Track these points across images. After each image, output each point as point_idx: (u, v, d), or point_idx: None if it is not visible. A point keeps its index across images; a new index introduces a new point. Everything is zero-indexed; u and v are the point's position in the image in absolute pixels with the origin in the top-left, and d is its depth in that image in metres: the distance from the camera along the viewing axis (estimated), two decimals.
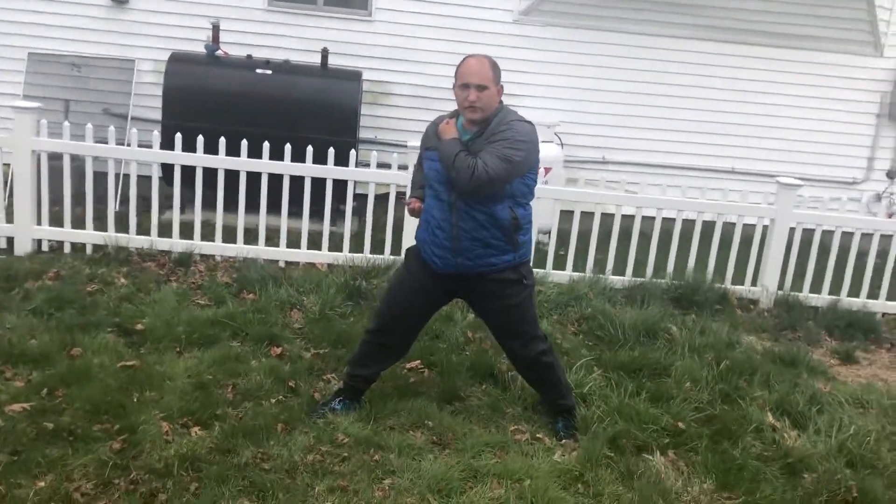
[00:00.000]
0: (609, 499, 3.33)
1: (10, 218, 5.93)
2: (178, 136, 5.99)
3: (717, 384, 4.46)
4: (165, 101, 7.30)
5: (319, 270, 5.95)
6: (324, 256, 6.12)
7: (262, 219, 6.08)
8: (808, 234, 6.33)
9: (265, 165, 5.96)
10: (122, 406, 3.65)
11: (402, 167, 6.10)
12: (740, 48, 8.38)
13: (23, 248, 5.89)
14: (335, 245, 6.21)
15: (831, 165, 8.79)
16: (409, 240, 6.09)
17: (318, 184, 6.08)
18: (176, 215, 6.01)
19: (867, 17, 8.30)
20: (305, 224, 6.10)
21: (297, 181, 6.02)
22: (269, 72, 7.42)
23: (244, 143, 5.95)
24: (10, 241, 5.91)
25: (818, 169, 8.71)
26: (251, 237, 6.16)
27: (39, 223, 5.96)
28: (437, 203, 3.62)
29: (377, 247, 6.17)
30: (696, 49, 8.30)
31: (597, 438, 3.72)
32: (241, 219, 6.06)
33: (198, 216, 6.01)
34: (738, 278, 6.37)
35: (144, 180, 6.07)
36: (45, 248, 5.97)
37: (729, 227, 6.33)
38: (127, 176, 6.24)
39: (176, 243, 6.00)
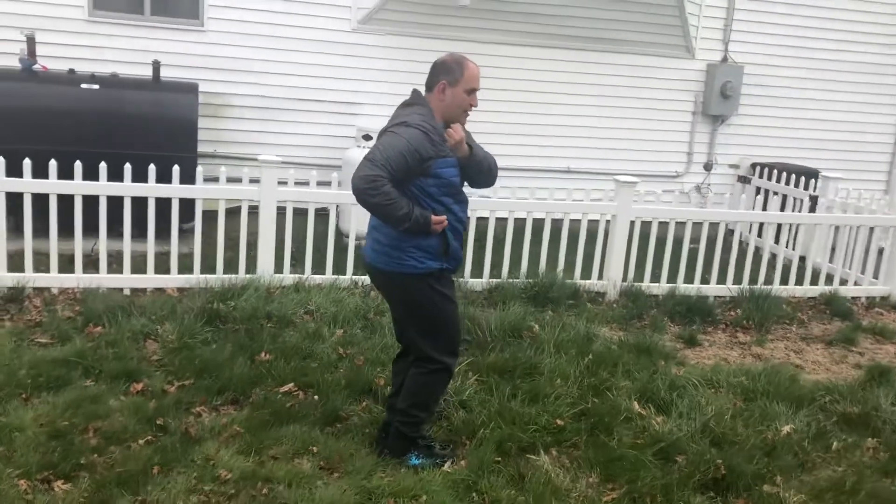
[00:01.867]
0: None
1: None
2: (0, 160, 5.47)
3: (585, 378, 4.65)
4: None
5: (170, 295, 5.63)
6: (174, 280, 5.80)
7: (103, 244, 5.67)
8: (645, 227, 6.74)
9: (104, 188, 5.57)
10: None
11: (254, 181, 5.91)
12: (569, 53, 8.79)
13: None
14: (185, 267, 5.91)
15: (656, 161, 9.40)
16: (265, 256, 5.93)
17: (162, 204, 5.75)
18: (1, 245, 5.48)
19: (679, 22, 8.95)
20: (151, 247, 5.76)
21: (138, 202, 5.67)
22: (97, 86, 6.95)
23: (77, 164, 5.54)
24: None
25: (646, 165, 9.28)
26: (90, 265, 5.72)
27: None
28: (461, 206, 3.65)
29: (231, 266, 5.92)
30: (529, 55, 8.61)
31: (485, 445, 3.77)
32: (79, 245, 5.63)
33: (28, 245, 5.52)
34: (587, 273, 6.68)
35: None
36: None
37: (575, 225, 6.62)
38: None
39: (4, 277, 5.48)
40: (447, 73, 3.57)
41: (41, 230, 5.57)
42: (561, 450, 3.90)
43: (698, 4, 9.07)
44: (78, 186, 5.56)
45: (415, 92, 3.65)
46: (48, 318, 5.05)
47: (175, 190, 5.74)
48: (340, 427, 3.98)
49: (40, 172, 5.47)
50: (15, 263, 5.58)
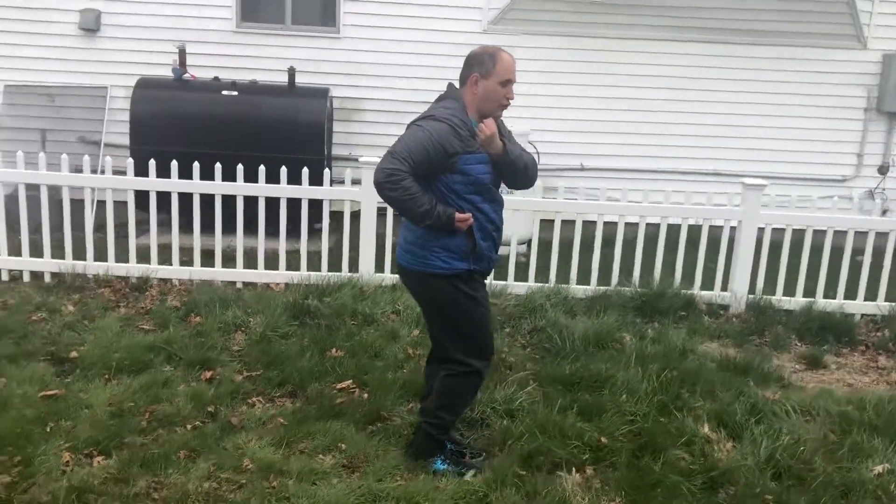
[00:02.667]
0: None
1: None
2: (130, 161, 6.03)
3: (657, 395, 4.30)
4: (133, 127, 7.37)
5: (274, 291, 5.90)
6: (280, 276, 6.07)
7: (218, 240, 6.05)
8: (780, 234, 6.14)
9: (219, 187, 5.94)
10: (29, 437, 3.62)
11: (356, 182, 6.05)
12: (719, 48, 8.21)
13: None
14: (295, 264, 6.17)
15: (820, 164, 8.56)
16: (366, 256, 6.06)
17: (292, 203, 6.03)
18: (132, 239, 6.01)
19: (848, 9, 8.08)
20: (261, 244, 6.07)
21: (270, 202, 5.99)
22: (236, 93, 7.45)
23: (217, 166, 5.91)
24: None
25: (808, 168, 8.49)
26: (225, 259, 6.10)
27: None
28: (494, 206, 3.49)
29: (335, 265, 6.11)
30: (672, 51, 8.15)
31: (509, 456, 3.60)
32: (197, 240, 6.03)
33: (153, 240, 6.01)
34: (708, 284, 6.20)
35: (121, 205, 6.06)
36: (4, 277, 6.00)
37: (695, 231, 6.17)
38: (102, 202, 6.22)
39: (132, 268, 6.00)
40: (479, 65, 3.40)
41: (186, 226, 6.05)
42: (598, 469, 3.62)
43: None
44: (217, 187, 5.95)
45: (450, 86, 3.51)
46: (158, 306, 5.47)
47: (284, 190, 6.00)
48: (379, 427, 3.96)
49: (186, 173, 5.93)
50: (163, 257, 6.05)
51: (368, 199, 5.97)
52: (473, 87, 3.41)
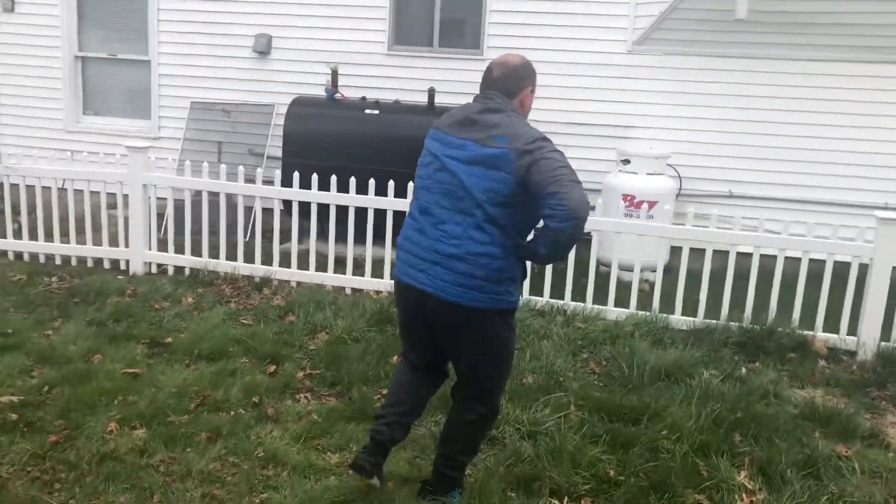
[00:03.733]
0: None
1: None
2: (278, 173, 6.60)
3: (702, 436, 3.99)
4: (285, 141, 8.01)
5: (373, 297, 6.16)
6: (383, 284, 6.33)
7: (350, 248, 6.39)
8: None
9: (352, 199, 6.31)
10: (93, 406, 4.11)
11: None
12: (885, 68, 7.38)
13: (135, 268, 6.76)
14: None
15: None
16: None
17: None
18: (258, 244, 6.56)
19: None
20: (369, 251, 6.37)
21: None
22: (377, 112, 7.86)
23: (352, 180, 6.32)
24: (128, 263, 6.81)
25: None
26: (356, 267, 6.49)
27: (150, 248, 6.81)
28: None
29: None
30: (832, 72, 7.45)
31: (504, 478, 3.53)
32: (331, 248, 6.49)
33: (294, 246, 6.52)
34: (832, 326, 5.61)
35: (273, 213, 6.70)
36: (154, 270, 6.79)
37: (818, 267, 5.62)
38: (267, 210, 6.87)
39: (256, 269, 6.55)
40: (531, 77, 3.26)
41: (322, 234, 6.53)
42: (595, 501, 3.45)
43: None
44: (350, 199, 6.35)
45: (495, 95, 3.19)
46: (263, 304, 5.92)
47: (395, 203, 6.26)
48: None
49: (328, 186, 6.37)
50: (302, 262, 6.55)
51: None
52: (528, 100, 3.29)
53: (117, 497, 3.34)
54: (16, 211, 7.13)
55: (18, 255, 6.93)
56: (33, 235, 6.91)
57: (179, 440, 3.81)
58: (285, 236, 6.89)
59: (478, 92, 3.28)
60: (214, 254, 6.65)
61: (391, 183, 6.26)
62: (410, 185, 6.12)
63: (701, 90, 7.79)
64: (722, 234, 5.78)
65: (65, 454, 3.67)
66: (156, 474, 3.52)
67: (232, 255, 6.60)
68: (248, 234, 7.69)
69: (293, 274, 6.51)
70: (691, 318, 5.78)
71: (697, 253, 5.96)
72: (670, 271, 6.64)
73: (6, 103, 9.55)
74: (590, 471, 3.62)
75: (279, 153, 8.49)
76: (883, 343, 5.48)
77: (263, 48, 8.74)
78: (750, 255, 5.80)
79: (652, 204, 7.19)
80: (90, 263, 6.86)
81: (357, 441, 3.89)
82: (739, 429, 4.11)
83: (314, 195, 6.39)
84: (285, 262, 6.55)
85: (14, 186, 6.92)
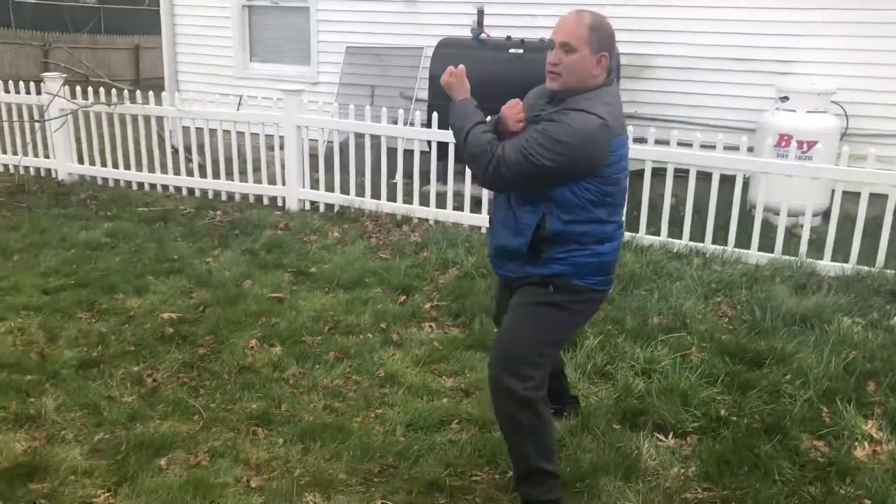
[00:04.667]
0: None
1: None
2: (419, 114, 6.77)
3: (829, 382, 3.82)
4: (431, 84, 8.16)
5: None
6: None
7: (468, 188, 6.55)
8: None
9: None
10: (239, 325, 4.52)
11: (662, 142, 6.08)
12: None
13: (290, 205, 7.23)
14: None
15: None
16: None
17: None
18: (399, 184, 6.82)
19: None
20: None
21: None
22: (521, 51, 7.83)
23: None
24: (284, 200, 7.29)
25: None
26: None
27: (304, 186, 7.24)
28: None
29: None
30: None
31: (611, 411, 3.57)
32: (468, 188, 6.62)
33: (432, 186, 6.73)
34: None
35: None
36: (307, 207, 7.23)
37: None
38: (409, 151, 7.14)
39: (398, 207, 6.81)
40: None
41: (459, 175, 6.70)
42: (701, 439, 3.41)
43: None
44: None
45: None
46: (401, 240, 6.18)
47: None
48: None
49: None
50: (440, 202, 6.75)
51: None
52: None
53: (250, 404, 3.69)
54: (188, 150, 7.80)
55: (190, 191, 7.59)
56: (202, 173, 7.53)
57: (310, 358, 4.13)
58: (428, 178, 7.07)
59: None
60: (361, 192, 6.97)
61: None
62: None
63: (868, 18, 7.14)
64: (880, 175, 5.37)
65: (210, 365, 4.08)
66: (286, 386, 3.85)
67: (377, 195, 6.89)
68: (394, 174, 7.93)
69: (430, 212, 6.72)
70: (841, 265, 5.45)
71: (852, 196, 5.58)
72: (827, 215, 6.24)
73: (184, 51, 10.33)
74: (701, 409, 3.58)
75: (427, 96, 8.68)
76: None
77: None
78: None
79: (812, 144, 6.74)
80: (251, 199, 7.40)
81: (473, 368, 4.05)
82: (875, 378, 3.89)
83: (449, 135, 6.52)
84: (425, 201, 6.75)
85: (186, 129, 7.55)
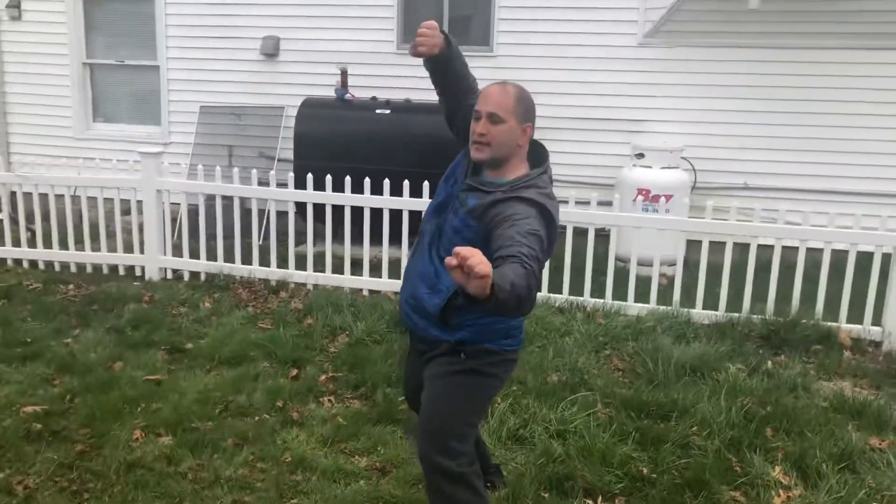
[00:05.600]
0: None
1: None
2: (291, 175, 6.54)
3: (734, 431, 3.94)
4: (296, 144, 7.97)
5: (391, 298, 6.12)
6: (397, 284, 6.26)
7: (366, 250, 6.33)
8: None
9: (367, 200, 6.26)
10: (118, 414, 4.08)
11: None
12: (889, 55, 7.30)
13: (150, 274, 6.73)
14: None
15: None
16: None
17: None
18: (273, 247, 6.53)
19: None
20: (385, 253, 6.33)
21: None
22: (388, 111, 7.82)
23: (367, 181, 6.29)
24: (143, 269, 6.79)
25: None
26: (372, 268, 6.47)
27: (165, 254, 6.78)
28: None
29: None
30: (846, 60, 7.38)
31: (537, 478, 3.49)
32: (347, 250, 6.42)
33: (309, 248, 6.49)
34: (857, 317, 5.55)
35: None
36: (169, 276, 6.77)
37: (842, 257, 5.56)
38: (282, 213, 6.83)
39: (272, 272, 6.51)
40: None
41: (339, 236, 6.48)
42: (629, 500, 3.40)
43: None
44: (365, 200, 6.28)
45: None
46: (281, 307, 5.89)
47: (425, 203, 6.19)
48: None
49: (342, 187, 6.31)
50: (318, 264, 6.47)
51: None
52: None
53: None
54: (29, 219, 7.12)
55: (33, 264, 6.91)
56: (47, 243, 6.89)
57: (206, 446, 3.78)
58: (300, 239, 6.84)
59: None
60: (230, 258, 6.62)
61: (406, 183, 6.20)
62: (426, 184, 6.09)
63: (713, 81, 7.73)
64: (743, 227, 5.74)
65: (91, 463, 3.63)
66: (184, 482, 3.49)
67: (247, 259, 6.57)
68: (262, 237, 7.61)
69: (310, 276, 6.47)
70: (713, 312, 5.73)
71: (715, 246, 5.91)
72: (688, 265, 6.58)
73: (15, 111, 9.54)
74: (622, 469, 3.58)
75: (289, 155, 8.46)
76: None
77: (271, 50, 8.70)
78: (768, 247, 5.74)
79: (668, 197, 7.11)
80: (105, 270, 6.84)
81: (384, 443, 3.86)
82: (771, 423, 4.07)
83: (329, 196, 6.35)
84: (301, 264, 6.51)
85: (27, 195, 6.90)
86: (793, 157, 7.64)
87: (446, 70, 2.96)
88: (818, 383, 4.75)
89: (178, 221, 7.76)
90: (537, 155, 2.83)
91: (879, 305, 5.49)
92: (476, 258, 2.07)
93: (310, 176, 6.42)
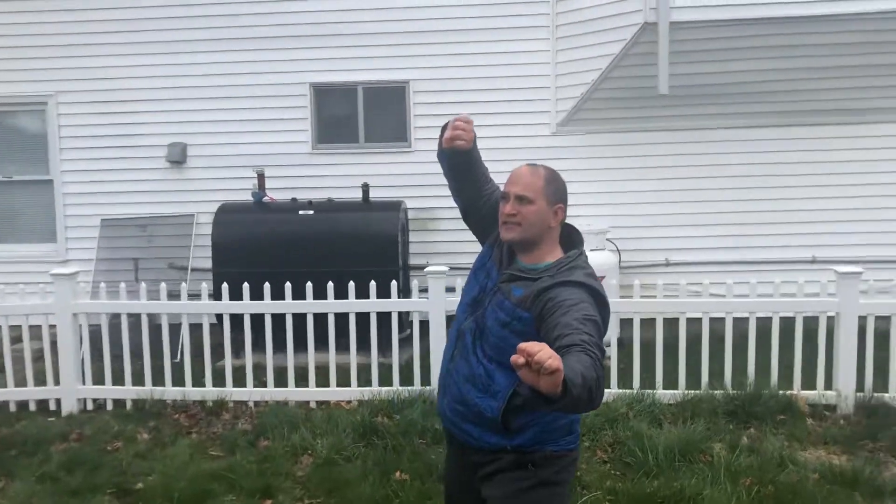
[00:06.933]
0: None
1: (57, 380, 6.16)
2: (205, 285, 6.15)
3: None
4: (215, 251, 7.58)
5: (345, 409, 5.78)
6: (352, 393, 5.95)
7: (290, 358, 6.02)
8: (886, 323, 5.62)
9: (290, 306, 5.96)
10: None
11: (423, 290, 5.99)
12: (810, 130, 7.84)
13: (68, 407, 6.08)
14: (381, 379, 6.02)
15: None
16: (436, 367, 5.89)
17: (378, 316, 6.02)
18: (208, 363, 6.07)
19: None
20: (332, 360, 6.00)
21: (339, 317, 6.01)
22: (312, 212, 7.60)
23: (287, 286, 6.04)
24: (59, 402, 6.13)
25: None
26: (298, 377, 6.06)
27: (84, 383, 6.17)
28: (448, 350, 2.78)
29: (408, 379, 5.97)
30: (753, 137, 7.86)
31: None
32: (270, 360, 6.03)
33: (227, 362, 6.06)
34: (809, 382, 5.69)
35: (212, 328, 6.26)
36: (90, 406, 6.14)
37: (790, 324, 5.73)
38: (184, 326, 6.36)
39: (208, 392, 6.03)
40: None
41: (261, 346, 6.10)
42: None
43: None
44: (287, 306, 5.99)
45: None
46: (229, 431, 5.42)
47: (352, 305, 5.97)
48: None
49: (257, 293, 5.99)
50: (239, 378, 6.06)
51: (437, 310, 5.85)
52: None
53: None
54: None
55: None
56: None
57: None
58: (220, 352, 6.37)
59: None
60: (159, 380, 6.09)
61: (330, 284, 5.96)
62: (351, 284, 5.88)
63: (628, 165, 8.01)
64: (691, 304, 5.85)
65: None
66: None
67: (159, 381, 6.04)
68: (179, 354, 7.01)
69: (251, 393, 6.04)
70: (674, 391, 5.73)
71: (646, 323, 5.94)
72: (623, 344, 6.61)
73: None
74: None
75: (203, 264, 8.07)
76: (859, 394, 5.60)
77: (178, 157, 8.35)
78: (697, 320, 5.79)
79: (600, 279, 7.18)
80: (13, 408, 6.12)
81: None
82: (779, 502, 4.01)
83: (247, 305, 6.03)
84: (240, 382, 6.05)
85: None
86: (710, 231, 7.96)
87: (470, 160, 2.87)
88: (798, 454, 4.77)
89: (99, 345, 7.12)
90: (568, 236, 2.72)
91: (829, 369, 5.65)
92: (545, 353, 1.89)
93: (225, 286, 6.14)
